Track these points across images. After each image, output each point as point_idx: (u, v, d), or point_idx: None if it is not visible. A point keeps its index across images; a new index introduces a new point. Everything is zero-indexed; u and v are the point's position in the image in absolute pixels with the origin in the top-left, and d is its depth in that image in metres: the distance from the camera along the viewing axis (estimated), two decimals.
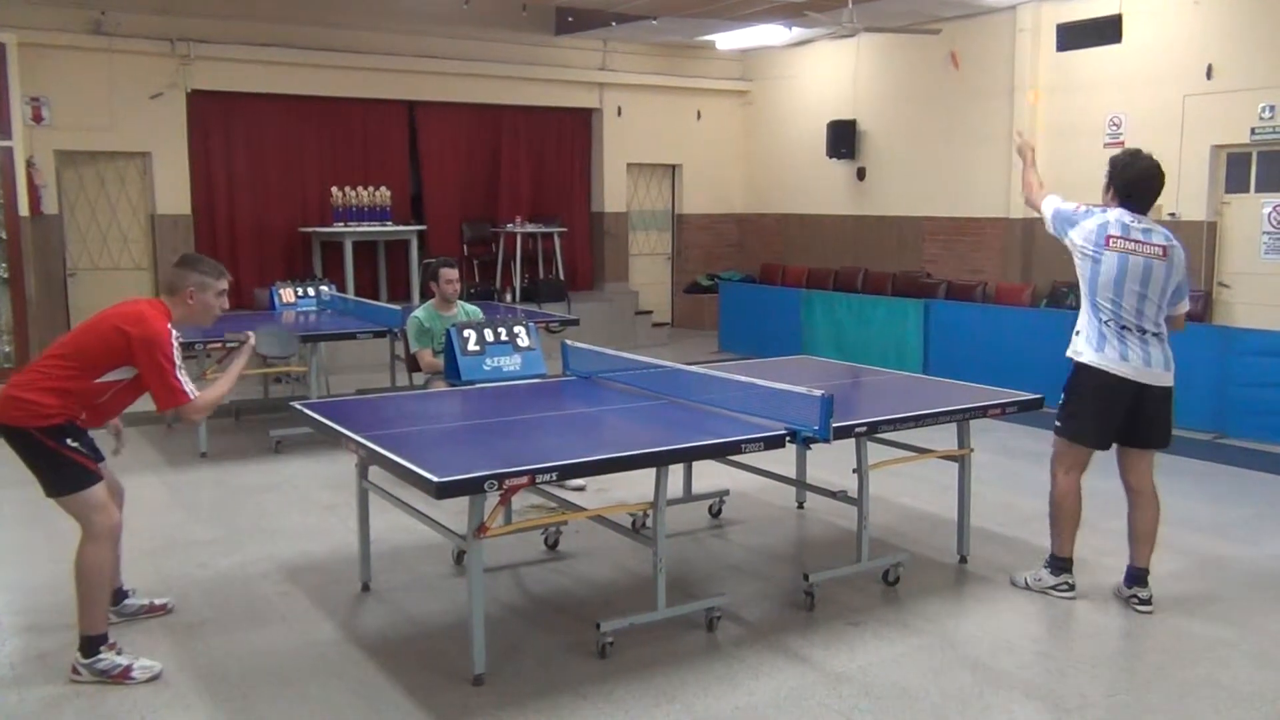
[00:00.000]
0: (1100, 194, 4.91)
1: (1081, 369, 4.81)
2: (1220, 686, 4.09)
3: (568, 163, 14.48)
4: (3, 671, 4.24)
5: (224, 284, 4.40)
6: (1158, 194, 4.81)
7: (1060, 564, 5.00)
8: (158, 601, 4.83)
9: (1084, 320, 4.83)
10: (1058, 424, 4.96)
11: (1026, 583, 5.07)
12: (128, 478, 7.11)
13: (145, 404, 4.39)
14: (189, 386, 4.15)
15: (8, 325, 10.20)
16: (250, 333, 4.80)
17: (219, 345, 7.90)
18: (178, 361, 4.14)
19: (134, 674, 4.12)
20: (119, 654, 4.16)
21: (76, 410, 4.14)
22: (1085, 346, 4.80)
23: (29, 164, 10.40)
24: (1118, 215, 4.75)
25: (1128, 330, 4.73)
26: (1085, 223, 4.80)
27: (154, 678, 4.13)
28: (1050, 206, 4.97)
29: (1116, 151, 5.01)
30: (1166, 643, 4.50)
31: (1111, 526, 6.08)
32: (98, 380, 4.13)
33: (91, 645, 4.13)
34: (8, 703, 3.99)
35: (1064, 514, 4.96)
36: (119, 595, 4.69)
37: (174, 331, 4.19)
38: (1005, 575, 5.27)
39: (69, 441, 4.11)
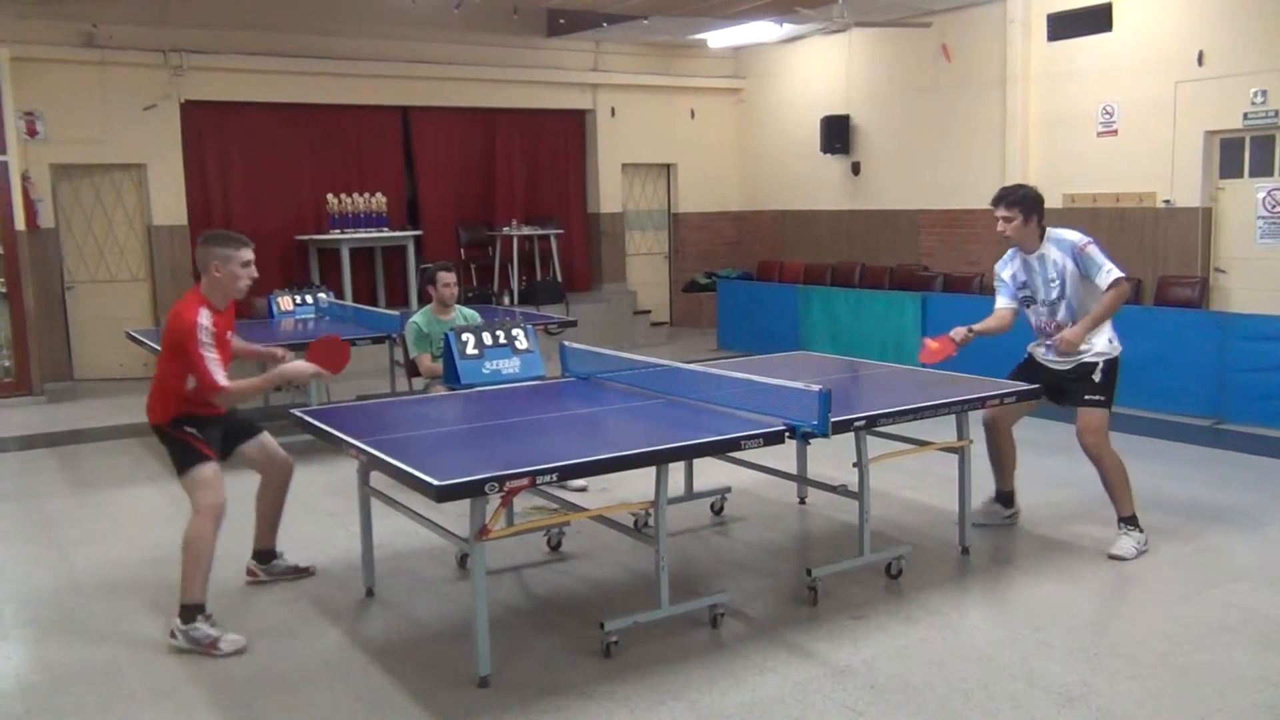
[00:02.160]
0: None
1: (1117, 359, 5.53)
2: (1223, 671, 4.11)
3: (562, 164, 14.49)
4: (9, 683, 4.26)
5: (247, 253, 4.71)
6: None
7: (1137, 521, 5.50)
8: (302, 564, 5.40)
9: (1110, 325, 5.54)
10: (1104, 403, 5.48)
11: (1137, 551, 5.40)
12: (129, 489, 7.18)
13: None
14: (219, 374, 4.52)
15: (7, 340, 10.22)
16: (288, 354, 5.05)
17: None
18: (206, 348, 4.51)
19: (221, 646, 4.44)
20: (212, 626, 4.50)
21: (186, 406, 4.67)
22: (1118, 342, 5.53)
23: (24, 178, 10.41)
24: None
25: None
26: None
27: (238, 651, 4.44)
28: (1113, 270, 5.39)
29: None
30: (1169, 629, 4.51)
31: (1110, 515, 6.10)
32: (188, 389, 4.65)
33: (189, 613, 4.49)
34: (14, 713, 4.00)
35: (1127, 477, 5.53)
36: (269, 555, 5.32)
37: (206, 318, 4.55)
38: (1006, 566, 5.29)
39: (186, 428, 4.68)
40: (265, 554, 5.33)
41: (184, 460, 4.64)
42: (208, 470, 4.63)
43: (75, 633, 4.75)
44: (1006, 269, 5.75)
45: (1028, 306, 5.67)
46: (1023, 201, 5.52)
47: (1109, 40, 10.58)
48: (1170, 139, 10.28)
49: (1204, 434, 7.91)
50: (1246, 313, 8.87)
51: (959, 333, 5.58)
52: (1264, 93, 9.55)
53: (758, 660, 4.27)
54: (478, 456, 4.35)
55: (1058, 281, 5.47)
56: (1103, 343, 5.46)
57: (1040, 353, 5.69)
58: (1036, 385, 5.50)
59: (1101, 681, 4.03)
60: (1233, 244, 10.12)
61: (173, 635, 4.50)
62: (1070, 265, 5.42)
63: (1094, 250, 5.40)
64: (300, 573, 5.37)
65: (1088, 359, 5.45)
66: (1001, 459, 5.92)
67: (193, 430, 4.68)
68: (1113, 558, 5.35)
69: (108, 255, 11.60)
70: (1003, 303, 5.73)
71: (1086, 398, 5.46)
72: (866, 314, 11.10)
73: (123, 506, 6.82)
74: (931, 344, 5.65)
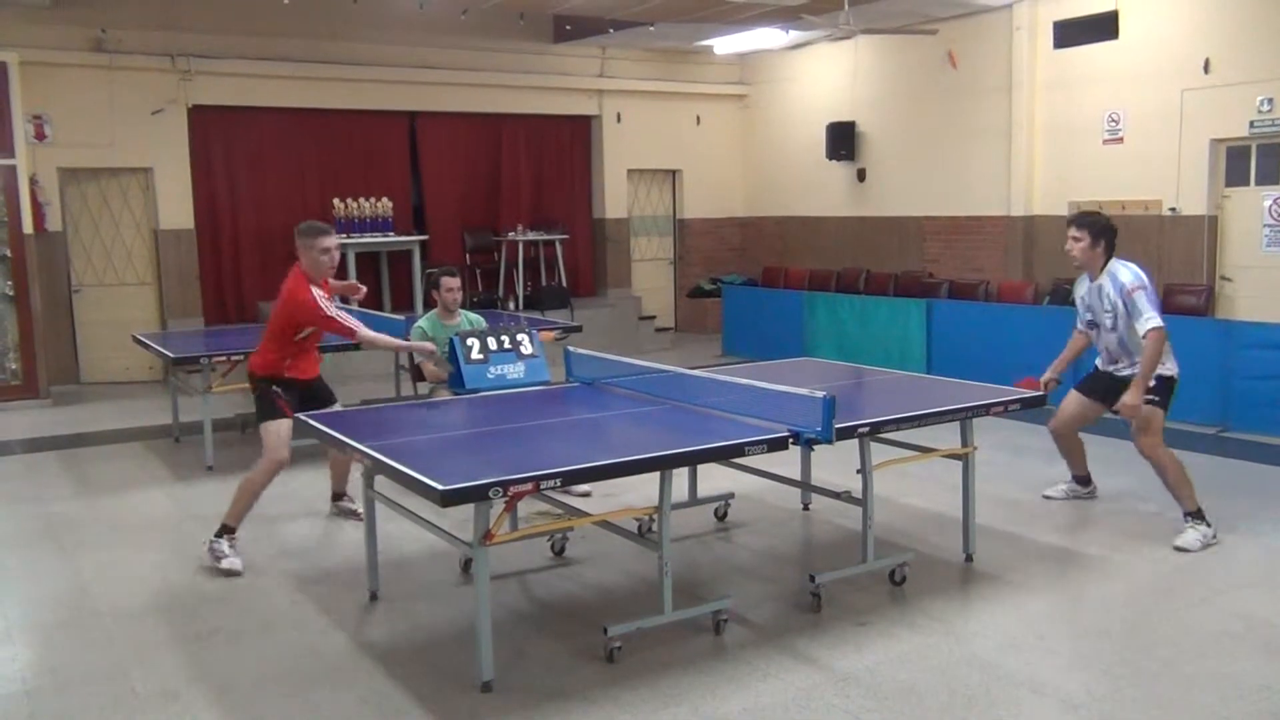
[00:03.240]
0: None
1: (1173, 377, 5.84)
2: (1227, 679, 4.10)
3: (568, 170, 14.51)
4: (15, 686, 4.27)
5: (325, 240, 5.71)
6: None
7: (1203, 515, 5.74)
8: (360, 510, 5.97)
9: (1169, 355, 5.80)
10: (1159, 403, 5.74)
11: (1202, 544, 5.62)
12: (135, 493, 7.19)
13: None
14: (350, 321, 5.60)
15: (14, 342, 10.24)
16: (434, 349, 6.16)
17: (223, 359, 7.95)
18: (329, 310, 5.54)
19: (222, 563, 5.46)
20: (231, 546, 5.53)
21: (280, 368, 5.69)
22: (1173, 365, 5.83)
23: (32, 182, 10.44)
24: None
25: None
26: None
27: (230, 573, 5.43)
28: (1152, 319, 5.60)
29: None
30: (1173, 636, 4.51)
31: (1114, 522, 6.10)
32: (296, 339, 5.69)
33: (223, 530, 5.56)
34: (20, 715, 4.02)
35: (1185, 474, 5.79)
36: (339, 496, 6.55)
37: (314, 292, 5.54)
38: (1011, 573, 5.28)
39: (274, 388, 5.68)
40: (337, 495, 6.53)
41: (265, 412, 5.65)
42: (281, 427, 5.58)
43: (80, 635, 4.76)
44: (1077, 292, 6.14)
45: (1092, 329, 6.05)
46: (1093, 225, 5.85)
47: (1115, 48, 10.58)
48: (1176, 147, 10.27)
49: (1209, 441, 7.90)
50: (1252, 320, 8.87)
51: (1048, 382, 5.97)
52: (1270, 101, 9.54)
53: (761, 666, 4.28)
54: (482, 461, 4.36)
55: (1111, 314, 5.83)
56: (1165, 368, 5.77)
57: (1100, 362, 6.14)
58: (1040, 394, 5.57)
59: (1105, 689, 4.03)
60: (1238, 252, 10.12)
61: (205, 543, 5.59)
62: (1120, 303, 5.75)
63: (1140, 296, 5.63)
64: (356, 516, 6.26)
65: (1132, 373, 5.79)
66: (1071, 455, 6.50)
67: (278, 390, 5.65)
68: (1177, 549, 5.60)
69: (115, 259, 11.63)
70: (1079, 326, 6.19)
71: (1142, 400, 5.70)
72: (871, 320, 11.10)
73: (128, 510, 6.84)
74: (1020, 384, 5.84)
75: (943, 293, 11.77)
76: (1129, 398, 5.60)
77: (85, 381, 11.31)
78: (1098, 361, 6.15)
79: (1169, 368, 5.78)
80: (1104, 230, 5.85)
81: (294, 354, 5.74)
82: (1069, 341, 6.19)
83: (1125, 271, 5.76)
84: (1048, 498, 6.60)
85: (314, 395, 5.89)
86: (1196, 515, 5.73)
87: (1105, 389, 6.00)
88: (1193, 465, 7.31)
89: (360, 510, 5.98)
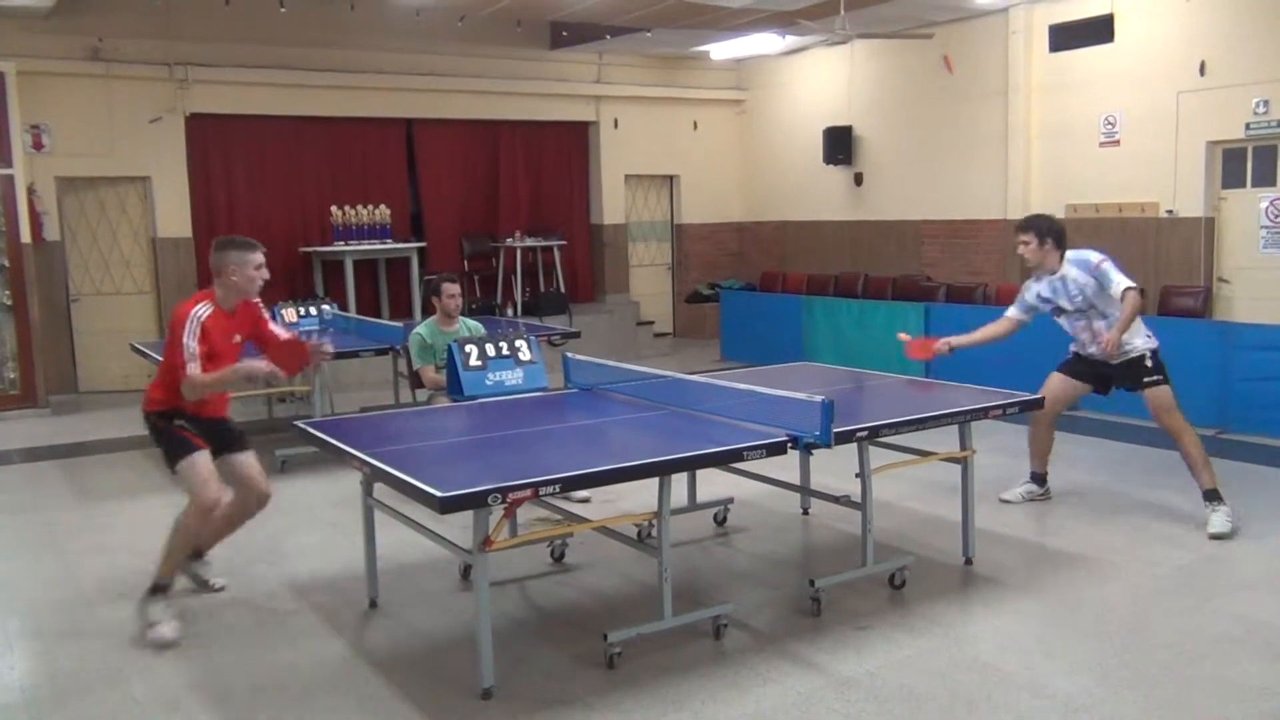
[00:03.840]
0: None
1: (1158, 348, 6.13)
2: (1228, 682, 4.10)
3: (566, 176, 14.53)
4: (13, 695, 4.26)
5: (258, 256, 4.93)
6: None
7: (1220, 495, 5.92)
8: (215, 582, 5.38)
9: (1141, 324, 6.11)
10: (1164, 380, 6.04)
11: (1231, 525, 5.83)
12: (133, 501, 7.18)
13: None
14: (192, 365, 4.66)
15: (12, 352, 10.25)
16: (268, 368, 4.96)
17: None
18: (190, 336, 4.67)
19: (151, 634, 4.69)
20: (165, 609, 4.78)
21: (182, 401, 4.80)
22: (1154, 338, 6.14)
23: (30, 191, 10.46)
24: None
25: None
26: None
27: (162, 645, 4.64)
28: (1123, 281, 5.94)
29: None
30: (1173, 639, 4.51)
31: (1114, 525, 6.10)
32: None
33: (154, 589, 4.82)
34: None
35: (1205, 452, 5.97)
36: (196, 554, 5.31)
37: (204, 310, 4.75)
38: (1010, 577, 5.28)
39: (177, 421, 4.86)
40: (195, 552, 5.28)
41: (176, 452, 4.80)
42: (200, 461, 4.78)
43: (80, 643, 4.75)
44: (1033, 289, 6.34)
45: (1058, 316, 6.29)
46: (1037, 227, 6.22)
47: (1111, 51, 10.59)
48: (1172, 149, 10.30)
49: (1207, 443, 7.83)
50: (1249, 322, 8.88)
51: (941, 345, 6.26)
52: (1266, 103, 9.57)
53: (761, 671, 4.27)
54: (481, 468, 4.36)
55: (1080, 297, 6.09)
56: (1141, 340, 6.06)
57: (1078, 349, 6.34)
58: (1040, 396, 5.56)
59: (1106, 692, 4.03)
60: (1235, 254, 10.13)
61: (139, 602, 4.86)
62: (1090, 281, 6.02)
63: (1108, 266, 5.98)
64: (206, 587, 5.34)
65: (1133, 355, 6.06)
66: (1039, 445, 6.55)
67: (183, 424, 4.85)
68: (1213, 537, 5.77)
69: (113, 268, 11.64)
70: (1010, 312, 6.41)
71: (1146, 380, 6.03)
72: (869, 325, 11.11)
73: (127, 518, 6.83)
74: (909, 341, 6.35)
75: (941, 296, 11.78)
76: (1108, 338, 5.89)
77: (84, 391, 11.31)
78: (1076, 349, 6.35)
79: (1151, 339, 6.09)
80: (1049, 229, 6.21)
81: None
82: (991, 324, 6.43)
83: (1088, 252, 6.15)
84: (1005, 501, 6.54)
85: (227, 437, 5.06)
86: (1214, 495, 5.91)
87: (1095, 374, 6.27)
88: None
89: (214, 583, 5.34)
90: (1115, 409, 8.57)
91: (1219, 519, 5.82)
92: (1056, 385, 6.34)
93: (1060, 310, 6.23)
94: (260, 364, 4.91)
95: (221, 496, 4.88)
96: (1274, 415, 7.90)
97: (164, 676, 4.37)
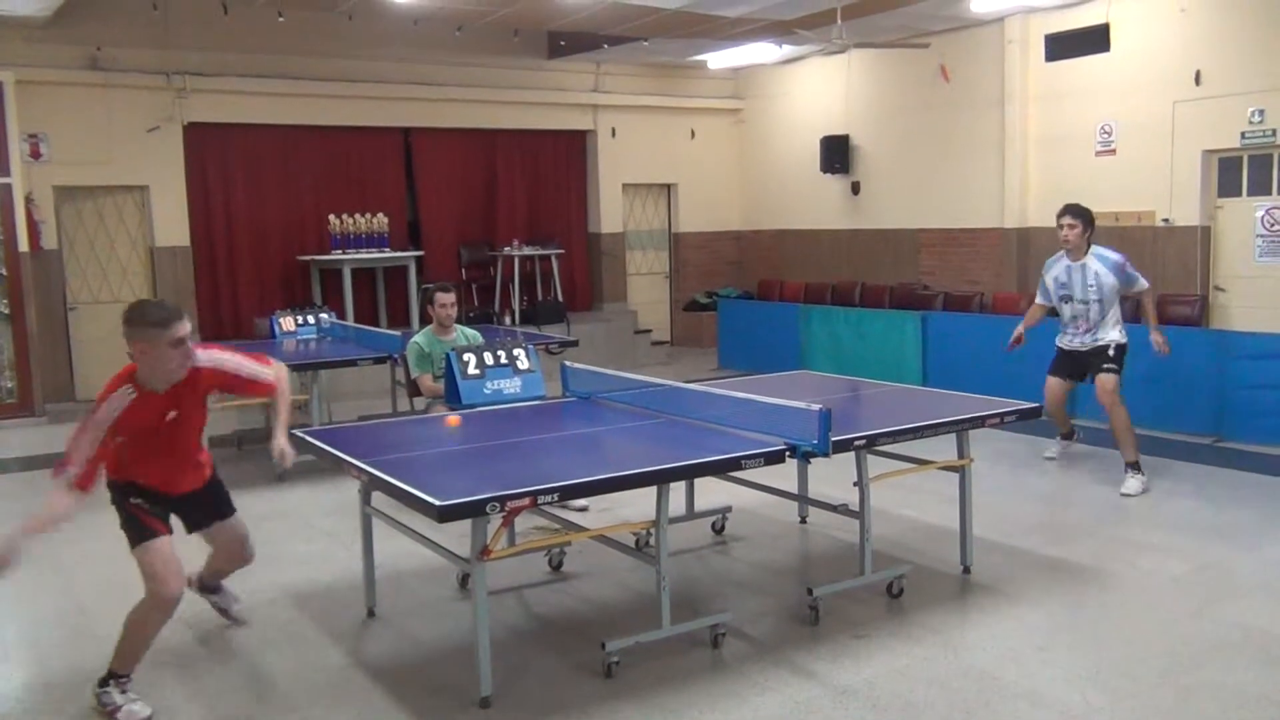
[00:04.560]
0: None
1: (1126, 345, 7.08)
2: (1226, 690, 4.10)
3: (563, 184, 14.55)
4: (10, 705, 4.26)
5: (175, 330, 3.96)
6: None
7: (1140, 466, 6.90)
8: (236, 612, 5.01)
9: (1117, 316, 7.11)
10: (1116, 371, 6.95)
11: (1142, 487, 6.78)
12: None
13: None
14: (70, 464, 4.04)
15: (10, 361, 10.24)
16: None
17: None
18: (90, 426, 4.09)
19: (119, 717, 4.07)
20: (122, 693, 4.14)
21: (129, 473, 4.24)
22: (1126, 334, 7.11)
23: (28, 200, 10.46)
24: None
25: None
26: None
27: None
28: (1145, 281, 7.15)
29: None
30: (1171, 647, 4.51)
31: (1111, 534, 6.10)
32: (115, 440, 4.13)
33: (109, 677, 4.18)
34: None
35: (1132, 430, 6.87)
36: (216, 588, 4.91)
37: (120, 395, 4.07)
38: (1008, 585, 5.29)
39: (131, 499, 4.25)
40: (206, 587, 4.91)
41: (132, 534, 4.20)
42: (157, 549, 4.13)
43: (77, 654, 4.74)
44: (1050, 273, 7.23)
45: (1065, 303, 7.14)
46: (1084, 215, 7.08)
47: (1107, 60, 10.63)
48: (1168, 158, 10.32)
49: (1204, 451, 7.92)
50: (1246, 331, 8.89)
51: (1018, 338, 7.37)
52: (1261, 112, 9.59)
53: (759, 680, 4.27)
54: (479, 477, 4.36)
55: (1095, 287, 6.97)
56: (1116, 333, 7.03)
57: (1065, 340, 7.25)
58: (1037, 405, 5.56)
59: (1104, 700, 4.03)
60: (1232, 262, 10.15)
61: (93, 693, 4.21)
62: (1110, 278, 6.95)
63: (1130, 267, 7.08)
64: (228, 617, 4.98)
65: (1103, 343, 7.02)
66: (1058, 420, 7.60)
67: (139, 502, 4.23)
68: (1124, 495, 6.74)
69: (110, 276, 11.64)
70: (1039, 300, 7.42)
71: (1104, 367, 6.96)
72: (867, 333, 11.12)
73: None
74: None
75: (938, 304, 11.78)
76: (1159, 339, 7.07)
77: (81, 399, 11.29)
78: (1062, 343, 7.27)
79: (1124, 335, 7.05)
80: (1091, 219, 7.10)
81: (136, 457, 4.22)
82: (1029, 312, 7.53)
83: (1112, 252, 7.11)
84: (1050, 459, 7.76)
85: (199, 509, 4.47)
86: (1136, 466, 6.87)
87: (1075, 366, 7.23)
88: (1187, 475, 7.37)
89: (236, 615, 5.00)
90: None
91: (1134, 483, 6.81)
92: (1055, 389, 7.34)
93: (1067, 297, 7.08)
94: (52, 515, 4.12)
95: (183, 589, 4.21)
96: (1270, 423, 7.91)
97: (161, 686, 4.36)
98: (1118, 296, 7.04)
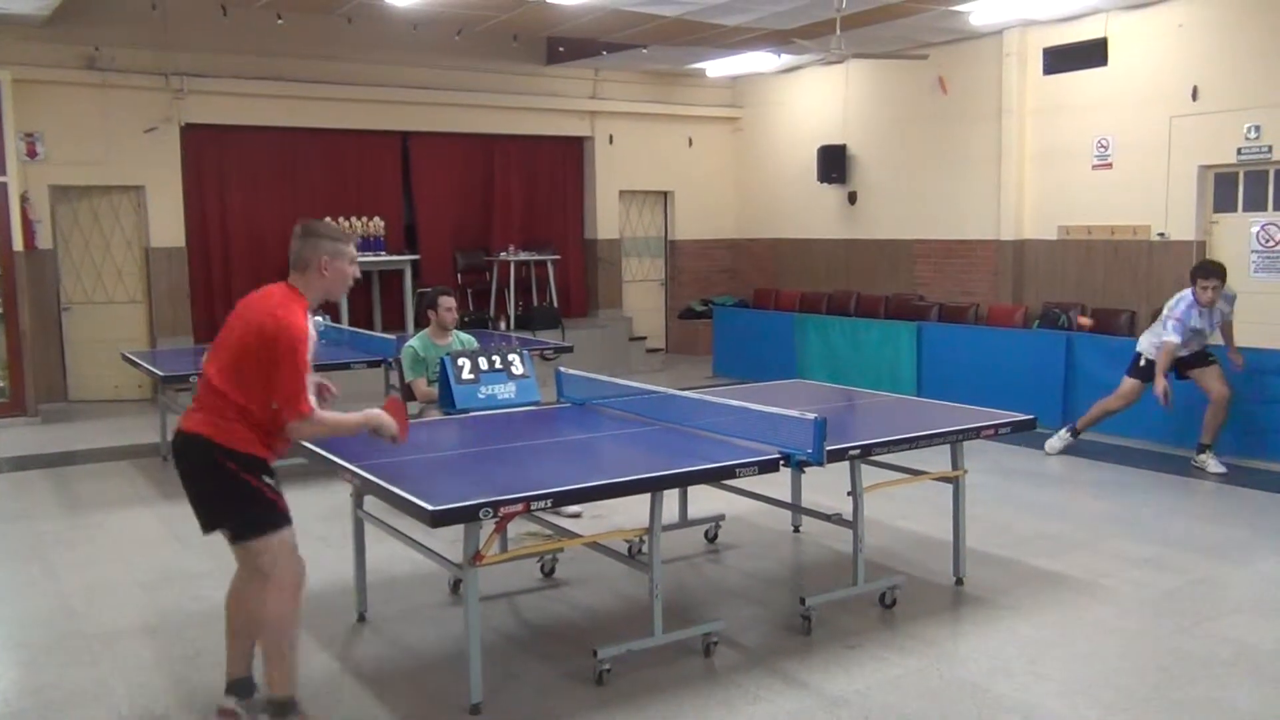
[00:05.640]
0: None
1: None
2: (1218, 705, 4.10)
3: (560, 191, 14.56)
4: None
5: (354, 249, 3.99)
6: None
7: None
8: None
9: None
10: (1216, 361, 7.92)
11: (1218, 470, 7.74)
12: (123, 512, 7.14)
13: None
14: (314, 400, 3.67)
15: (3, 361, 10.20)
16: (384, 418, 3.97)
17: None
18: (308, 363, 3.65)
19: None
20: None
21: (264, 445, 3.74)
22: None
23: (23, 199, 10.44)
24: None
25: None
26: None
27: None
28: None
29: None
30: (1163, 662, 4.51)
31: (1105, 547, 6.11)
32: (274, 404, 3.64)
33: (282, 709, 3.72)
34: None
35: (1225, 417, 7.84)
36: (248, 686, 3.96)
37: (312, 334, 3.72)
38: (1001, 597, 5.28)
39: (265, 478, 3.74)
40: (243, 683, 3.95)
41: (264, 519, 3.71)
42: (289, 535, 3.78)
43: (67, 656, 4.72)
44: (1191, 318, 7.77)
45: (1194, 337, 7.89)
46: (1223, 275, 7.83)
47: (1104, 75, 10.67)
48: (1165, 173, 10.35)
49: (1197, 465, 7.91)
50: (1241, 346, 8.89)
51: (1160, 387, 7.75)
52: (1257, 128, 9.62)
53: (751, 689, 4.26)
54: (472, 482, 4.35)
55: (1218, 320, 7.91)
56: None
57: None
58: (1031, 417, 5.53)
59: (1096, 714, 4.02)
60: (1227, 278, 10.14)
61: None
62: (1227, 309, 7.93)
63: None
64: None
65: (1197, 351, 7.94)
66: (1091, 420, 8.32)
67: (271, 482, 3.75)
68: (1216, 474, 7.66)
69: (105, 277, 11.61)
70: (1174, 340, 7.79)
71: (1209, 360, 7.92)
72: (862, 343, 11.13)
73: (116, 529, 6.79)
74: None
75: (933, 315, 11.80)
76: (1237, 355, 7.96)
77: (74, 399, 11.27)
78: (1154, 356, 7.90)
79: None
80: (1224, 276, 7.87)
81: (277, 427, 3.74)
82: (1165, 358, 7.79)
83: (1228, 290, 7.96)
84: (1051, 454, 8.35)
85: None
86: (1209, 448, 7.78)
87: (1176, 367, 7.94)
88: (1180, 490, 7.38)
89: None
90: (1115, 432, 8.60)
91: (1214, 464, 7.74)
92: (1133, 392, 8.05)
93: (1195, 331, 7.84)
94: (391, 420, 3.96)
95: (303, 568, 3.86)
96: (1263, 439, 7.92)
97: (151, 691, 4.34)
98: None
